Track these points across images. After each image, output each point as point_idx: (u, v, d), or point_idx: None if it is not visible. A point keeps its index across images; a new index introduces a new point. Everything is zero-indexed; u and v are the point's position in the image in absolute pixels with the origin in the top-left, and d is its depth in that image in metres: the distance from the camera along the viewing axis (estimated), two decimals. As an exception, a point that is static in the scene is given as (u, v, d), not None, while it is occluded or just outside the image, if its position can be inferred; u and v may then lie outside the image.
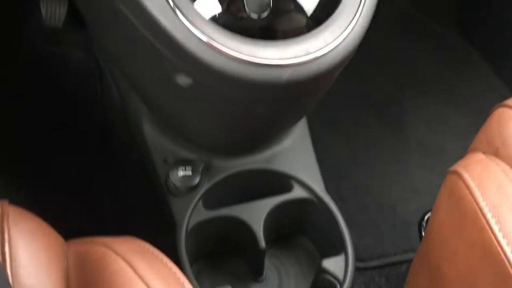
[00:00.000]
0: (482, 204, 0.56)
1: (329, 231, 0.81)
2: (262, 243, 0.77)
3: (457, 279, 0.60)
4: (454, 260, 0.60)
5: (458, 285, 0.60)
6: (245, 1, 0.59)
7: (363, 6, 0.62)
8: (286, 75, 0.58)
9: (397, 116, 1.15)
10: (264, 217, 0.78)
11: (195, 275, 0.78)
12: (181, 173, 0.80)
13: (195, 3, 0.59)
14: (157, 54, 0.61)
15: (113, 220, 0.96)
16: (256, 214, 0.78)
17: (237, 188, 0.82)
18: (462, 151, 0.71)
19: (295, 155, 0.84)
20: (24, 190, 0.93)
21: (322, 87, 0.67)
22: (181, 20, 0.58)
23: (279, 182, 0.82)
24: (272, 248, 0.85)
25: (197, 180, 0.79)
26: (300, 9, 0.62)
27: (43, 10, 0.73)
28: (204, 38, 0.57)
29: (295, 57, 0.58)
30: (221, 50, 0.57)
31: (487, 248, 0.55)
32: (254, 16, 0.60)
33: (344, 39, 0.60)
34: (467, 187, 0.59)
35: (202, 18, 0.58)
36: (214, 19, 0.59)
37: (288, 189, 0.81)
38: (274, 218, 0.80)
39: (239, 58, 0.57)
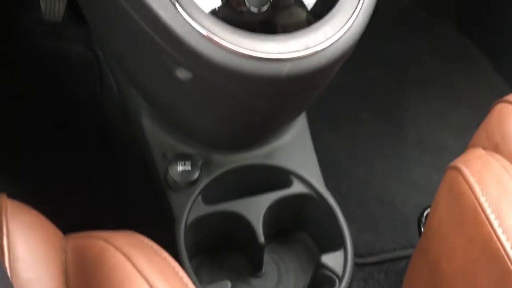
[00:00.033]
0: (482, 199, 0.56)
1: (328, 226, 0.81)
2: (261, 238, 0.77)
3: (456, 274, 0.60)
4: (453, 255, 0.60)
5: (457, 280, 0.60)
6: (245, -5, 0.59)
7: (363, 1, 0.62)
8: (286, 69, 0.58)
9: (397, 112, 1.15)
10: (263, 212, 0.78)
11: (194, 270, 0.78)
12: (180, 168, 0.80)
13: (195, -4, 0.59)
14: (156, 48, 0.61)
15: (112, 215, 0.96)
16: (256, 209, 0.78)
17: (237, 183, 0.82)
18: (462, 147, 0.71)
19: (295, 150, 0.84)
20: (23, 185, 0.93)
21: (322, 82, 0.67)
22: (180, 14, 0.58)
23: (279, 177, 0.82)
24: (271, 244, 0.85)
25: (196, 175, 0.79)
26: (300, 3, 0.62)
27: (42, 4, 0.73)
28: (204, 32, 0.57)
29: (295, 51, 0.58)
30: (221, 44, 0.57)
31: (486, 243, 0.55)
32: (254, 9, 0.60)
33: (344, 33, 0.60)
34: (467, 182, 0.59)
35: (202, 12, 0.58)
36: (213, 13, 0.59)
37: (288, 184, 0.81)
38: (274, 213, 0.80)
39: (239, 52, 0.57)
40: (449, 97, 1.18)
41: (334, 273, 0.75)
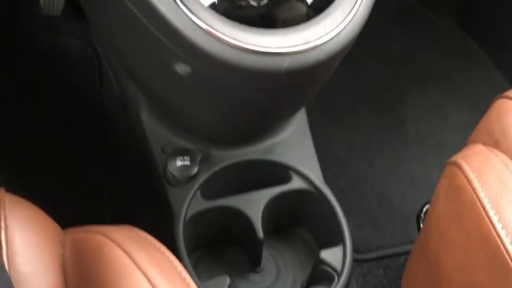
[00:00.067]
0: (481, 195, 0.56)
1: (327, 222, 0.81)
2: (260, 234, 0.77)
3: (455, 270, 0.60)
4: (452, 251, 0.60)
5: (456, 276, 0.60)
6: (244, -12, 0.59)
7: (363, -5, 0.62)
8: (285, 63, 0.58)
9: (396, 107, 1.15)
10: (262, 208, 0.78)
11: (193, 265, 0.78)
12: (179, 163, 0.79)
13: (194, -10, 0.58)
14: (155, 42, 0.61)
15: (111, 210, 0.96)
16: (254, 204, 0.78)
17: (236, 178, 0.82)
18: (461, 143, 0.71)
19: (294, 146, 0.84)
20: (21, 180, 0.93)
21: (321, 76, 0.66)
22: (179, 7, 0.57)
23: (278, 172, 0.82)
24: (270, 239, 0.85)
25: (195, 170, 0.79)
26: (300, -3, 0.62)
27: (41, -2, 0.73)
28: (203, 26, 0.57)
29: (294, 45, 0.58)
30: (220, 38, 0.57)
31: (485, 238, 0.55)
32: (253, 3, 0.60)
33: (344, 28, 0.60)
34: (467, 178, 0.59)
35: (201, 5, 0.58)
36: (213, 7, 0.59)
37: (287, 180, 0.81)
38: (272, 208, 0.80)
39: (238, 46, 0.57)
40: (449, 93, 1.18)
41: (333, 268, 0.75)
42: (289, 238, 0.86)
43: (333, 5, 0.60)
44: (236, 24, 0.58)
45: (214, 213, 0.79)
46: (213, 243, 0.83)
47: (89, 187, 0.98)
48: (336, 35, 0.59)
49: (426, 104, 1.16)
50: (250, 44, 0.57)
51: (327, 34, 0.59)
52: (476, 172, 0.59)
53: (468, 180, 0.58)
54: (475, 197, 0.57)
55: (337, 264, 0.75)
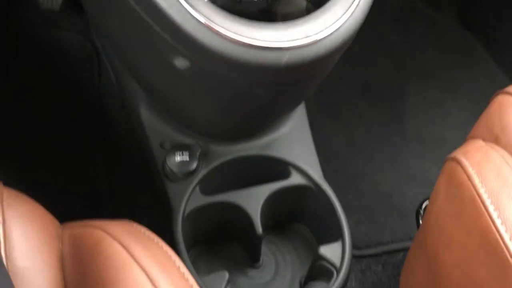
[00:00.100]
0: (481, 190, 0.56)
1: (326, 218, 0.80)
2: (259, 229, 0.76)
3: (454, 266, 0.59)
4: (452, 247, 0.60)
5: (455, 272, 0.60)
6: (244, -17, 0.59)
7: (364, -10, 0.61)
8: (285, 58, 0.57)
9: (396, 103, 1.15)
10: (261, 203, 0.78)
11: (192, 261, 0.78)
12: (178, 158, 0.79)
13: (193, -16, 0.58)
14: (155, 36, 0.60)
15: (110, 205, 0.96)
16: (254, 200, 0.78)
17: (235, 174, 0.82)
18: (461, 140, 0.71)
19: (293, 141, 0.83)
20: (20, 175, 0.93)
21: (321, 71, 0.66)
22: (179, 1, 0.57)
23: (277, 168, 0.82)
24: (269, 235, 0.85)
25: (194, 165, 0.79)
26: (300, -9, 0.61)
27: (39, -8, 0.72)
28: (202, 19, 0.57)
29: (294, 40, 0.57)
30: (219, 32, 0.57)
31: (485, 234, 0.55)
32: (253, -3, 0.59)
33: (344, 22, 0.60)
34: (466, 173, 0.59)
35: (201, -1, 0.58)
36: (212, 1, 0.59)
37: (286, 175, 0.81)
38: (272, 204, 0.80)
39: (237, 40, 0.57)
40: (449, 89, 1.17)
41: (332, 264, 0.75)
42: (288, 233, 0.86)
43: (333, 0, 0.60)
44: (236, 18, 0.58)
45: (213, 209, 0.79)
46: (212, 238, 0.83)
47: (88, 184, 0.98)
48: (336, 29, 0.59)
49: (426, 100, 1.15)
50: (250, 38, 0.57)
51: (327, 28, 0.59)
52: (476, 167, 0.58)
53: (468, 176, 0.58)
54: (474, 192, 0.57)
55: (336, 260, 0.75)
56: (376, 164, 1.06)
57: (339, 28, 0.59)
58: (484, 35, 1.23)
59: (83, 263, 0.51)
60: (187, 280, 0.50)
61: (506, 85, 0.70)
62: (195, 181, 0.78)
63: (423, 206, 0.88)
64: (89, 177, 0.99)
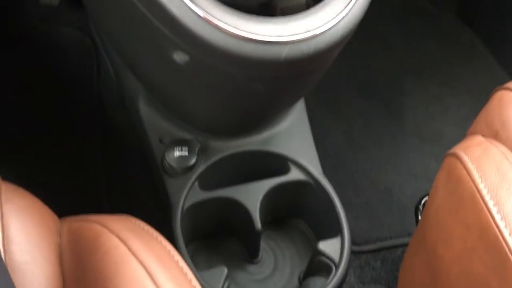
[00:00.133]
0: (481, 186, 0.56)
1: (325, 213, 0.80)
2: (258, 225, 0.76)
3: (453, 261, 0.59)
4: (451, 242, 0.60)
5: (454, 267, 0.59)
6: (243, -24, 0.58)
7: (364, -15, 0.61)
8: (284, 52, 0.57)
9: (396, 99, 1.15)
10: (260, 199, 0.78)
11: (191, 256, 0.78)
12: (177, 153, 0.79)
13: (193, -23, 0.58)
14: (154, 31, 0.60)
15: (109, 200, 0.96)
16: (253, 195, 0.78)
17: (234, 169, 0.82)
18: (460, 135, 0.71)
19: (293, 137, 0.83)
20: (18, 170, 0.93)
21: (321, 66, 0.66)
22: (177, -5, 0.57)
23: (276, 164, 0.81)
24: (268, 230, 0.85)
25: (193, 160, 0.79)
26: (300, -14, 0.61)
27: (38, -13, 0.72)
28: (201, 13, 0.56)
29: (293, 34, 0.57)
30: (218, 26, 0.56)
31: (484, 230, 0.54)
32: (253, -9, 0.59)
33: (344, 17, 0.59)
34: (466, 169, 0.59)
35: (200, -7, 0.57)
36: (211, -6, 0.58)
37: (285, 171, 0.81)
38: (271, 200, 0.80)
39: (237, 34, 0.56)
40: (448, 85, 1.17)
41: (331, 259, 0.75)
42: (287, 229, 0.86)
43: (333, -6, 0.60)
44: (235, 12, 0.57)
45: (212, 204, 0.79)
46: (211, 234, 0.83)
47: (87, 179, 0.98)
48: (336, 24, 0.59)
49: (425, 96, 1.15)
50: (249, 33, 0.57)
51: (326, 23, 0.58)
52: (476, 163, 0.58)
53: (468, 171, 0.58)
54: (474, 188, 0.57)
55: (335, 255, 0.75)
56: (375, 160, 1.06)
57: (338, 22, 0.59)
58: (484, 31, 1.23)
59: (82, 257, 0.51)
60: (185, 274, 0.50)
61: (506, 81, 0.70)
62: (194, 176, 0.78)
63: (422, 202, 0.88)
64: (88, 172, 0.99)
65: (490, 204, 0.54)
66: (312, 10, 0.59)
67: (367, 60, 1.18)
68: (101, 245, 0.51)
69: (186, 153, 0.79)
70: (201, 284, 0.51)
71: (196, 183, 0.78)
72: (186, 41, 0.58)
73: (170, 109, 0.82)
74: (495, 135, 0.64)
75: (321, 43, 0.58)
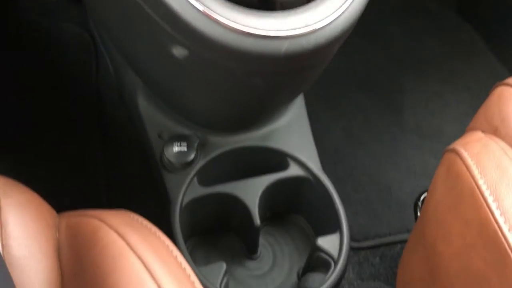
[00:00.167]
0: (480, 181, 0.56)
1: (324, 209, 0.80)
2: (257, 221, 0.76)
3: (453, 257, 0.59)
4: (450, 238, 0.60)
5: (453, 263, 0.59)
6: (243, -30, 0.58)
7: (364, -21, 0.61)
8: (284, 47, 0.57)
9: (395, 95, 1.15)
10: (259, 195, 0.78)
11: (189, 251, 0.78)
12: (176, 149, 0.79)
13: (192, -28, 0.57)
14: (153, 25, 0.60)
15: (108, 196, 0.96)
16: (252, 191, 0.78)
17: (233, 165, 0.81)
18: (459, 132, 0.71)
19: (292, 133, 0.83)
20: (17, 167, 0.93)
21: (321, 61, 0.66)
22: (177, -11, 0.56)
23: (275, 159, 0.81)
24: (267, 226, 0.85)
25: (192, 156, 0.78)
26: (299, -20, 0.60)
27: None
28: (200, 7, 0.56)
29: (293, 29, 0.57)
30: (218, 20, 0.56)
31: (484, 226, 0.54)
32: (252, -14, 0.59)
33: (344, 12, 0.59)
34: (465, 165, 0.58)
35: (199, -13, 0.57)
36: (211, -11, 0.58)
37: (284, 167, 0.81)
38: (270, 195, 0.80)
39: (236, 29, 0.56)
40: (448, 81, 1.17)
41: (330, 255, 0.75)
42: (286, 225, 0.86)
43: (333, -11, 0.59)
44: (235, 6, 0.57)
45: (211, 200, 0.79)
46: (209, 229, 0.83)
47: (86, 175, 0.98)
48: (336, 19, 0.59)
49: (425, 92, 1.15)
50: (249, 27, 0.56)
51: (326, 17, 0.58)
52: (475, 158, 0.58)
53: (467, 167, 0.58)
54: (473, 183, 0.56)
55: (333, 251, 0.75)
56: (375, 156, 1.06)
57: (338, 17, 0.59)
58: (483, 28, 1.23)
59: (80, 252, 0.51)
60: (184, 269, 0.50)
61: (506, 77, 0.70)
62: (193, 172, 0.78)
63: (422, 198, 0.88)
64: (87, 168, 0.98)
65: (490, 200, 0.54)
66: (312, 4, 0.59)
67: (367, 56, 1.18)
68: (99, 240, 0.51)
69: (185, 149, 0.79)
70: (199, 279, 0.51)
71: (195, 179, 0.78)
72: (186, 35, 0.58)
73: (169, 104, 0.82)
74: (494, 131, 0.63)
75: (321, 37, 0.58)
